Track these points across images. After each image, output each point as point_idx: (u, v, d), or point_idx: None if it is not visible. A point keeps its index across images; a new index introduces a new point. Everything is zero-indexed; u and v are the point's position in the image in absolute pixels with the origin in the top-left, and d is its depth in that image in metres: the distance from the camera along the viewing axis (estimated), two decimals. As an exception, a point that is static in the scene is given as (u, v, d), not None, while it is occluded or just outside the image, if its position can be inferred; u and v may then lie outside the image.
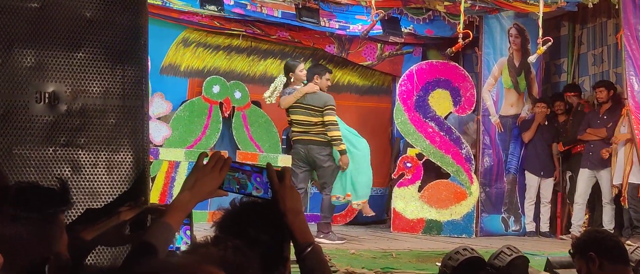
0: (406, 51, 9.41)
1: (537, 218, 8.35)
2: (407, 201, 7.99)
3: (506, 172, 8.39)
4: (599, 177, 7.70)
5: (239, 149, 8.04)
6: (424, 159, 8.01)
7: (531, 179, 8.33)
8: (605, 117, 7.65)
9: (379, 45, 9.18)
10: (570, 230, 8.05)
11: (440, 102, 8.00)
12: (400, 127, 8.03)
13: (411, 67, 8.23)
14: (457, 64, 8.53)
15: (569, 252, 3.15)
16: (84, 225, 1.93)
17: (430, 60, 8.51)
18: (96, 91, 2.11)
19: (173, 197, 6.44)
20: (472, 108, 8.11)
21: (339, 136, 6.59)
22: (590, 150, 7.74)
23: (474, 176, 7.96)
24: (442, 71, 8.10)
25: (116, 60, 2.13)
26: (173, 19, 8.08)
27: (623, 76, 7.17)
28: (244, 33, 8.60)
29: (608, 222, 7.64)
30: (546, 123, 8.23)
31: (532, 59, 7.42)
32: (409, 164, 8.02)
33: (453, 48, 6.97)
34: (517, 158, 8.43)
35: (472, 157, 8.01)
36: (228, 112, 8.11)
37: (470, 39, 6.86)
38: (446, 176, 8.02)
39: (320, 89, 6.71)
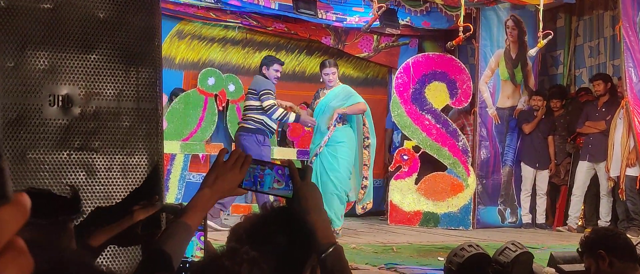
0: (402, 43, 9.38)
1: (533, 209, 8.38)
2: (404, 194, 7.99)
3: (503, 164, 8.41)
4: (598, 170, 7.73)
5: (234, 142, 8.00)
6: (420, 152, 8.01)
7: (527, 171, 8.35)
8: (603, 109, 7.66)
9: (375, 37, 9.15)
10: (567, 222, 8.08)
11: (437, 94, 7.98)
12: (396, 120, 8.01)
13: (407, 60, 8.20)
14: (453, 57, 8.51)
15: (578, 250, 3.15)
16: (95, 227, 1.90)
17: (426, 53, 8.49)
18: (110, 93, 2.06)
19: (168, 190, 6.43)
20: (469, 100, 8.10)
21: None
22: (589, 142, 7.77)
23: (470, 168, 7.97)
24: (438, 64, 8.08)
25: (130, 62, 2.09)
26: (168, 11, 8.00)
27: (621, 67, 7.18)
28: (240, 25, 8.54)
29: (605, 214, 7.68)
30: (543, 116, 8.24)
31: (532, 52, 7.42)
32: (405, 157, 8.03)
33: (453, 41, 6.95)
34: (513, 150, 8.44)
35: (469, 149, 8.01)
36: (222, 105, 8.06)
37: (471, 32, 6.84)
38: (443, 168, 8.02)
39: (271, 81, 6.74)
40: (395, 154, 8.15)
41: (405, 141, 8.09)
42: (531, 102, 8.36)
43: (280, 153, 7.68)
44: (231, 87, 8.17)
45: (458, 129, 8.07)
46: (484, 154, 8.27)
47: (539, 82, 8.73)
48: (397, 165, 8.06)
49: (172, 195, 7.43)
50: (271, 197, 1.84)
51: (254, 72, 8.72)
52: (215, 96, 8.06)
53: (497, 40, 8.37)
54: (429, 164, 8.07)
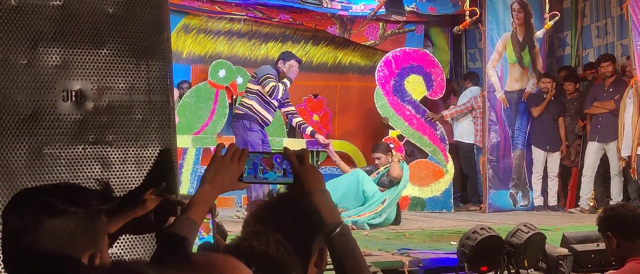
0: (408, 29, 9.37)
1: (544, 192, 8.38)
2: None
3: (513, 147, 8.41)
4: (608, 150, 7.71)
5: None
6: (404, 140, 8.29)
7: (538, 154, 8.34)
8: (611, 90, 7.64)
9: (381, 24, 9.14)
10: (578, 203, 8.08)
11: (415, 86, 8.31)
12: (381, 110, 8.26)
13: (387, 54, 8.38)
14: (427, 51, 8.69)
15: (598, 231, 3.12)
16: (108, 215, 1.94)
17: (403, 48, 8.62)
18: (122, 87, 2.10)
19: (181, 184, 6.47)
20: (443, 92, 8.40)
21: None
22: (598, 123, 7.75)
23: (448, 154, 8.28)
24: (414, 58, 8.36)
25: (140, 56, 2.12)
26: (174, 5, 8.02)
27: (630, 46, 7.14)
28: (245, 17, 8.56)
29: (616, 194, 7.67)
30: (552, 98, 8.22)
31: (539, 34, 7.40)
32: (391, 145, 8.22)
33: (460, 26, 6.95)
34: (523, 133, 8.43)
35: (446, 137, 8.33)
36: (232, 98, 8.09)
37: (477, 16, 6.83)
38: (425, 155, 8.32)
39: (287, 77, 6.83)
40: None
41: (390, 130, 8.34)
42: (540, 84, 8.34)
43: (290, 145, 7.69)
44: (239, 80, 8.19)
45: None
46: (494, 138, 8.27)
47: (547, 65, 8.71)
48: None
49: (185, 189, 7.48)
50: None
51: (261, 64, 8.76)
52: (226, 88, 8.09)
53: (503, 23, 8.34)
54: (412, 152, 8.42)
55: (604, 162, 7.82)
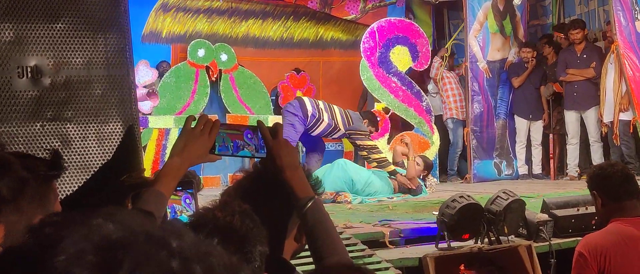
0: (389, 2, 9.32)
1: (529, 160, 8.41)
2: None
3: (496, 117, 8.41)
4: (585, 117, 7.73)
5: (228, 112, 7.99)
6: (390, 113, 8.24)
7: (520, 123, 8.36)
8: (584, 56, 7.63)
9: (361, -3, 9.08)
10: (566, 171, 8.11)
11: (401, 57, 8.20)
12: (366, 83, 8.16)
13: (372, 25, 8.27)
14: (412, 21, 8.60)
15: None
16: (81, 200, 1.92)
17: (388, 18, 8.51)
18: (79, 62, 2.05)
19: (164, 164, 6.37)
20: (429, 63, 8.31)
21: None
22: (573, 91, 7.74)
23: (434, 126, 8.23)
24: (400, 28, 8.24)
25: (97, 29, 2.07)
26: (151, -16, 7.93)
27: (610, 12, 7.13)
28: (225, -6, 8.47)
29: (598, 160, 7.70)
30: (533, 68, 8.21)
31: (517, 1, 7.36)
32: (377, 118, 8.25)
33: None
34: (506, 103, 8.44)
35: (431, 108, 8.26)
36: (215, 76, 8.02)
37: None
38: (410, 127, 8.28)
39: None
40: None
41: (375, 103, 8.29)
42: (521, 54, 8.32)
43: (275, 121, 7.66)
44: (223, 57, 8.11)
45: (421, 91, 8.27)
46: (477, 108, 8.27)
47: (531, 34, 8.68)
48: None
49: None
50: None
51: (242, 42, 8.70)
52: (207, 67, 8.02)
53: (483, -8, 8.30)
54: (398, 124, 8.43)
55: (583, 130, 7.84)
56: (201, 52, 7.97)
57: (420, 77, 8.75)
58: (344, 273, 1.27)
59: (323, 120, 6.71)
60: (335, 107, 6.93)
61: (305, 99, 6.86)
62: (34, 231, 0.66)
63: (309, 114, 6.64)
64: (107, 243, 0.61)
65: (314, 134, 6.84)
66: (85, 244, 0.60)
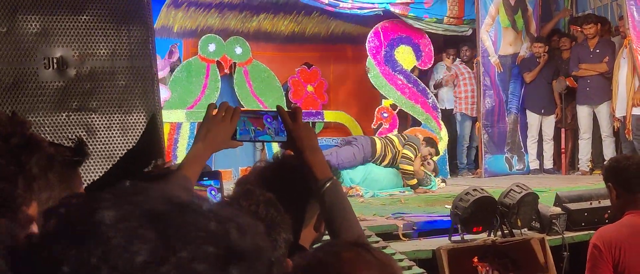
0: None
1: (540, 155, 8.40)
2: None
3: (508, 112, 8.41)
4: (597, 112, 7.71)
5: (241, 106, 8.02)
6: (397, 109, 8.39)
7: (532, 118, 8.35)
8: (597, 51, 7.61)
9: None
10: (578, 166, 8.10)
11: (405, 56, 8.40)
12: (373, 80, 8.30)
13: (377, 25, 8.39)
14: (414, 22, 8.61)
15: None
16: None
17: (391, 19, 8.50)
18: (103, 53, 2.09)
19: (177, 158, 6.50)
20: (432, 62, 8.47)
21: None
22: (586, 86, 7.72)
23: (441, 122, 8.37)
24: (403, 29, 8.41)
25: (121, 21, 2.11)
26: (163, -21, 7.96)
27: (623, 7, 7.10)
28: (236, -12, 8.47)
29: (610, 155, 7.68)
30: (545, 63, 8.19)
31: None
32: (385, 114, 8.38)
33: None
34: (517, 98, 8.43)
35: (438, 104, 8.42)
36: (228, 69, 8.06)
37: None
38: (418, 123, 8.40)
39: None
40: (375, 113, 8.44)
41: (383, 99, 8.39)
42: (532, 49, 8.31)
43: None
44: (238, 50, 8.15)
45: (426, 88, 8.43)
46: (488, 103, 8.27)
47: (540, 28, 8.66)
48: (378, 122, 8.37)
49: (181, 163, 7.48)
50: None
51: (253, 36, 8.72)
52: (217, 62, 8.05)
53: (495, -13, 8.29)
54: (406, 120, 8.58)
55: (595, 125, 7.82)
56: (212, 47, 8.01)
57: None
58: (349, 247, 1.30)
59: (383, 158, 6.90)
60: (395, 139, 7.11)
61: (377, 140, 7.01)
62: (77, 199, 0.69)
63: (376, 156, 6.86)
64: (153, 213, 0.63)
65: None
66: (133, 214, 0.63)
